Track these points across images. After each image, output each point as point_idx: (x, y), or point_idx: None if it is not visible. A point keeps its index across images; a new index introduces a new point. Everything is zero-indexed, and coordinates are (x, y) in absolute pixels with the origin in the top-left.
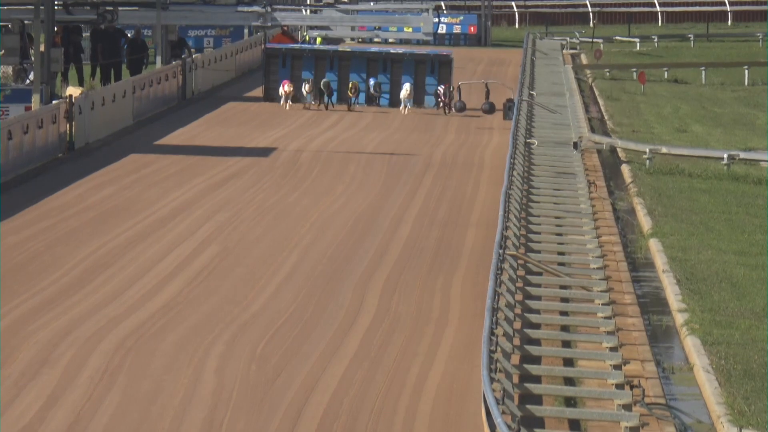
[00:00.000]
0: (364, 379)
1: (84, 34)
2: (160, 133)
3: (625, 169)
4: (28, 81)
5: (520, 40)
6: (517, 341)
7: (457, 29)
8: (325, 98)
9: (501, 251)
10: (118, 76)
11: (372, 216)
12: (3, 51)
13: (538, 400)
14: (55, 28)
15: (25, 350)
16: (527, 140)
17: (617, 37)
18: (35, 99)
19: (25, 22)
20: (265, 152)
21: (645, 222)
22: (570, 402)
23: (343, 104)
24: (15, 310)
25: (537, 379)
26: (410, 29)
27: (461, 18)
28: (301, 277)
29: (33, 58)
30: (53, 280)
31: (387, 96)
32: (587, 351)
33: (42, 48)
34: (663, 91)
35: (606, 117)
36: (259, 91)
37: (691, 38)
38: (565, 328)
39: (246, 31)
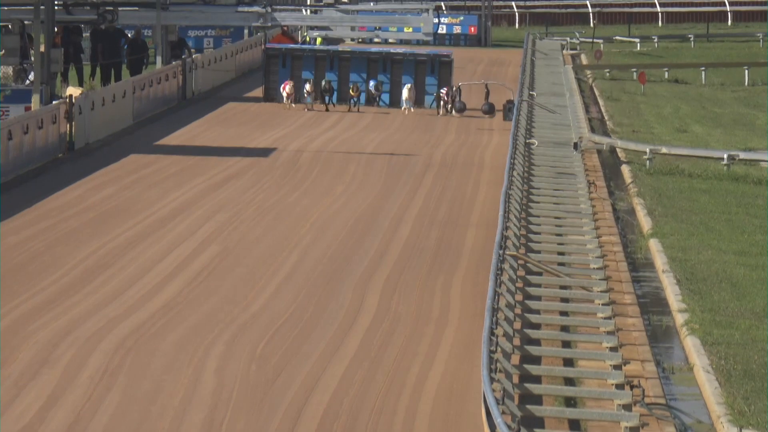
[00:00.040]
0: (364, 379)
1: (84, 34)
2: (160, 134)
3: (625, 169)
4: (28, 81)
5: (520, 41)
6: (517, 341)
7: (457, 29)
8: (326, 98)
9: (501, 251)
10: (118, 77)
11: (372, 216)
12: (3, 51)
13: (538, 400)
14: (55, 28)
15: (25, 350)
16: (527, 140)
17: (617, 38)
18: (35, 99)
19: (25, 22)
20: (265, 152)
21: (645, 222)
22: (570, 402)
23: (344, 104)
24: (15, 310)
25: (537, 379)
26: (410, 29)
27: (461, 18)
28: (301, 277)
29: (33, 59)
30: (53, 280)
31: (387, 95)
32: (587, 351)
33: (42, 48)
34: (663, 91)
35: (606, 117)
36: (259, 92)
37: (691, 38)
38: (565, 329)
39: (246, 31)
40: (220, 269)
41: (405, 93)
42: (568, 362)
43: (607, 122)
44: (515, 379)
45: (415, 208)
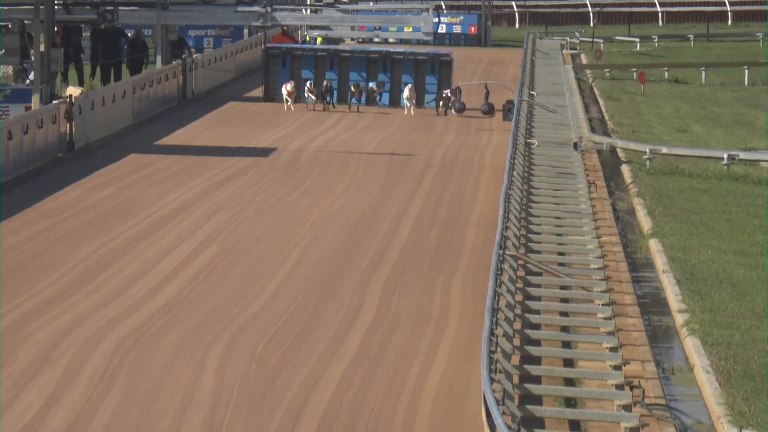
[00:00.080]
0: (364, 379)
1: (84, 34)
2: (160, 133)
3: (625, 169)
4: (28, 81)
5: (520, 40)
6: (517, 341)
7: (457, 29)
8: (326, 99)
9: (501, 251)
10: (118, 76)
11: (372, 216)
12: (3, 51)
13: (538, 400)
14: (55, 28)
15: (25, 350)
16: (527, 140)
17: (617, 37)
18: (35, 99)
19: (25, 22)
20: (265, 152)
21: (645, 222)
22: (570, 402)
23: (344, 104)
24: (15, 310)
25: (537, 380)
26: (410, 29)
27: (461, 18)
28: (301, 277)
29: (33, 58)
30: (53, 280)
31: (387, 94)
32: (587, 351)
33: (42, 48)
34: (663, 91)
35: (606, 117)
36: (259, 91)
37: (691, 38)
38: (565, 329)
39: (246, 31)
40: (220, 269)
41: (406, 92)
42: (568, 363)
43: (607, 122)
44: (515, 380)
45: (415, 208)
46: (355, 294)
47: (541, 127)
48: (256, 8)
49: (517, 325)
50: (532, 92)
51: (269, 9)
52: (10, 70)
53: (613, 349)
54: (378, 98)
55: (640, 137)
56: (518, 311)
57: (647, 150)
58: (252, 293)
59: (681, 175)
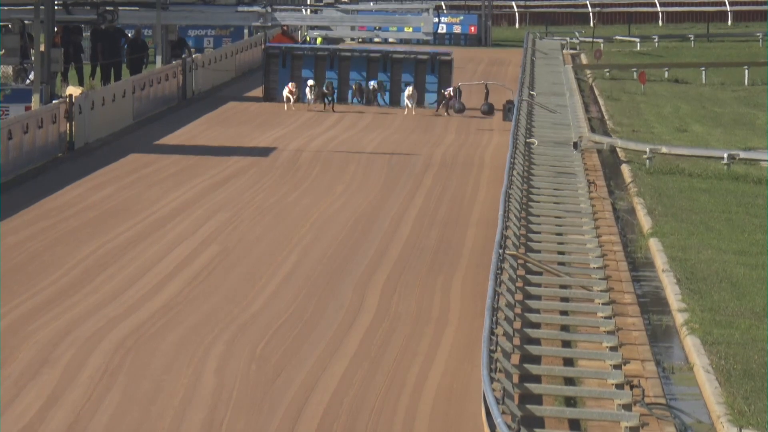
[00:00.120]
0: (364, 379)
1: (84, 34)
2: (160, 133)
3: (625, 168)
4: (28, 81)
5: (520, 40)
6: (517, 341)
7: (457, 29)
8: (327, 99)
9: (501, 251)
10: (118, 76)
11: (372, 216)
12: (3, 51)
13: (538, 399)
14: (55, 28)
15: (25, 350)
16: (527, 140)
17: (617, 37)
18: (35, 99)
19: (25, 22)
20: (265, 152)
21: (645, 222)
22: (570, 402)
23: (344, 104)
24: (15, 310)
25: (537, 379)
26: (410, 29)
27: (461, 18)
28: (301, 277)
29: (33, 58)
30: (53, 280)
31: (387, 94)
32: (587, 351)
33: (42, 48)
34: (663, 91)
35: (606, 117)
36: (259, 91)
37: (692, 38)
38: (565, 328)
39: (246, 31)
40: (220, 269)
41: (408, 92)
42: (568, 362)
43: (607, 122)
44: (515, 379)
45: (415, 208)
46: (355, 294)
47: (541, 127)
48: (256, 8)
49: (517, 325)
50: (532, 92)
51: (269, 9)
52: (10, 70)
53: (613, 349)
54: (378, 98)
55: (640, 137)
56: (518, 310)
57: (647, 149)
58: (252, 293)
59: (681, 174)
